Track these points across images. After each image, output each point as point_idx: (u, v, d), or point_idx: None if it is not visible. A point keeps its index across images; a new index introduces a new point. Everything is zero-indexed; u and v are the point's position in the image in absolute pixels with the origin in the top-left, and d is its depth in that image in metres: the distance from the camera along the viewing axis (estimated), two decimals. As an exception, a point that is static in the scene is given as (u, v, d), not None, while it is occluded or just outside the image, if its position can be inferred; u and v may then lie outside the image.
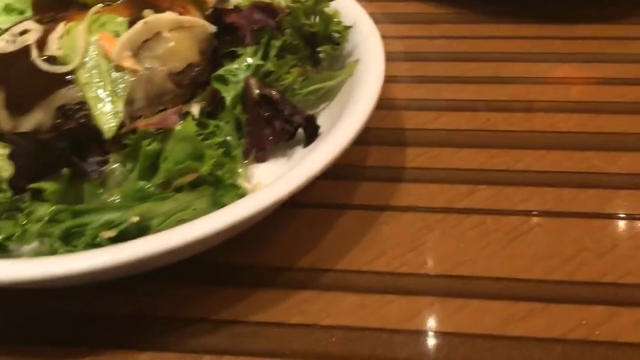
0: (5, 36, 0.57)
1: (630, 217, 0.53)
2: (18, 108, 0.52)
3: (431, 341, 0.44)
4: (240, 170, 0.54)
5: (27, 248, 0.49)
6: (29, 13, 0.70)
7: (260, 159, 0.57)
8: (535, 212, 0.54)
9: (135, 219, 0.45)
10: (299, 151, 0.58)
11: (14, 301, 0.49)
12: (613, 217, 0.53)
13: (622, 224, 0.53)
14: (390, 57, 0.58)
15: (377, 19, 0.63)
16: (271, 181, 0.49)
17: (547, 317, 0.45)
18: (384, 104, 0.57)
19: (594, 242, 0.51)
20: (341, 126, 0.50)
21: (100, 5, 0.57)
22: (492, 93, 0.68)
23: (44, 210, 0.45)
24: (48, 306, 0.48)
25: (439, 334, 0.45)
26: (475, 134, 0.63)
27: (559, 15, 0.80)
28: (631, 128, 0.62)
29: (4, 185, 0.49)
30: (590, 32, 0.77)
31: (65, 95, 0.52)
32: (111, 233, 0.44)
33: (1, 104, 0.53)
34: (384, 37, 0.60)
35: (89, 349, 0.45)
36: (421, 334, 0.45)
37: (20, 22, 0.60)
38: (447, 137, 0.63)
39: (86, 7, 0.58)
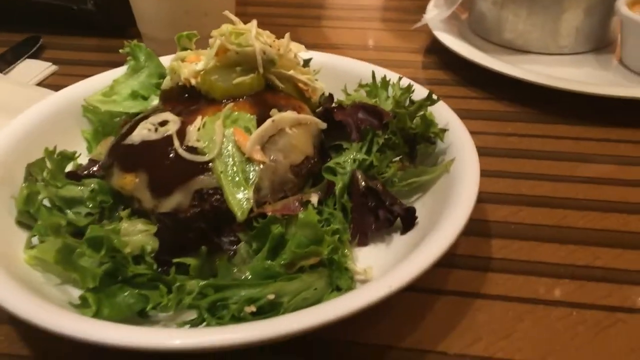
0: (147, 125, 0.65)
1: None
2: (160, 190, 0.60)
3: None
4: (348, 253, 0.60)
5: (162, 316, 0.56)
6: (151, 99, 0.80)
7: (362, 243, 0.64)
8: (617, 308, 0.59)
9: (272, 296, 0.51)
10: (396, 238, 0.64)
11: None
12: (690, 317, 0.58)
13: (699, 323, 0.57)
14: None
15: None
16: (380, 267, 0.56)
17: (636, 409, 0.50)
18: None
19: (675, 339, 0.56)
20: (449, 219, 0.56)
21: (231, 104, 0.65)
22: (568, 191, 0.74)
23: (194, 284, 0.52)
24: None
25: (538, 418, 0.49)
26: (554, 230, 0.69)
27: (622, 119, 0.87)
28: (703, 233, 0.67)
29: (148, 259, 0.56)
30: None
31: (202, 181, 0.59)
32: (253, 308, 0.50)
33: (145, 185, 0.61)
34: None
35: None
36: (522, 417, 0.49)
37: (154, 111, 0.69)
38: (528, 231, 0.69)
39: (214, 102, 0.67)
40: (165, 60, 0.82)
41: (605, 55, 1.03)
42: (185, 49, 0.78)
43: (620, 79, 0.96)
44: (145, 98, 0.80)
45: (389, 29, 1.25)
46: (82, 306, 0.52)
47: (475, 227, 0.69)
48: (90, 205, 0.64)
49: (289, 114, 0.64)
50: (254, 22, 0.70)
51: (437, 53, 1.09)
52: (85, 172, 0.68)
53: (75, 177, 0.67)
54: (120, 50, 0.82)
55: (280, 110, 0.65)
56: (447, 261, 0.64)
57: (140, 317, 0.55)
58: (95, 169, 0.68)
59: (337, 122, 0.68)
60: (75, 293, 0.57)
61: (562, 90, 0.88)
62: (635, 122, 0.87)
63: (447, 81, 1.01)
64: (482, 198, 0.73)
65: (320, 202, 0.63)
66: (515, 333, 0.57)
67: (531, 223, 0.70)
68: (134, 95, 0.80)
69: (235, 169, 0.60)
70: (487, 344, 0.56)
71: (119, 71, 0.82)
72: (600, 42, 1.04)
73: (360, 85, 0.77)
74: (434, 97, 0.69)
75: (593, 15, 1.00)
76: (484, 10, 1.07)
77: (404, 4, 1.35)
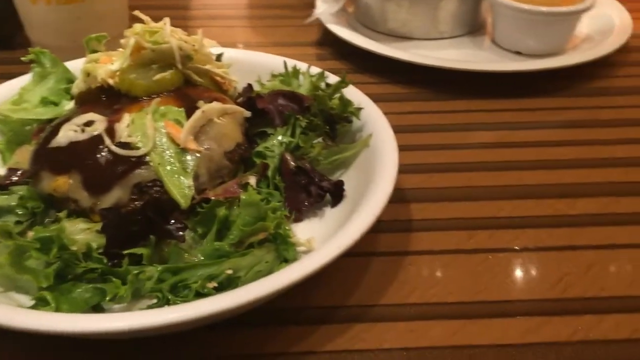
0: (71, 126, 0.65)
1: (594, 247, 0.68)
2: (98, 188, 0.61)
3: (472, 352, 0.56)
4: (289, 228, 0.64)
5: (118, 307, 0.57)
6: (63, 104, 0.79)
7: (298, 219, 0.68)
8: (523, 249, 0.68)
9: (230, 271, 0.54)
10: (327, 211, 0.69)
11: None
12: (581, 248, 0.68)
13: (589, 252, 0.67)
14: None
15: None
16: (320, 237, 0.61)
17: (553, 326, 0.58)
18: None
19: (572, 268, 0.65)
20: (378, 187, 0.62)
21: (157, 98, 0.67)
22: (468, 156, 0.83)
23: (152, 270, 0.53)
24: (140, 353, 0.56)
25: (477, 347, 0.56)
26: (462, 190, 0.77)
27: (501, 91, 0.98)
28: (580, 179, 0.78)
29: (96, 255, 0.57)
30: (533, 105, 0.95)
31: (140, 175, 0.61)
32: (214, 284, 0.53)
33: (80, 185, 0.61)
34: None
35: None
36: (464, 348, 0.56)
37: (73, 114, 0.68)
38: (440, 194, 0.76)
39: (136, 100, 0.68)
40: (69, 66, 0.81)
41: (479, 37, 1.14)
42: (94, 51, 0.78)
43: (495, 56, 1.07)
44: (56, 104, 0.78)
45: (279, 25, 1.29)
46: (39, 305, 0.52)
47: (394, 195, 0.75)
48: (20, 213, 0.63)
49: (216, 105, 0.67)
50: (167, 20, 0.72)
51: (331, 45, 1.15)
52: (8, 182, 0.66)
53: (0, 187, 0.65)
54: (23, 58, 0.80)
55: (205, 102, 0.67)
56: (374, 227, 0.70)
57: (97, 312, 0.55)
58: (17, 177, 0.67)
59: (259, 110, 0.72)
60: (22, 299, 0.56)
61: (448, 69, 0.98)
62: (512, 92, 0.98)
63: (343, 70, 1.08)
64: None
65: (256, 184, 0.67)
66: (444, 280, 0.64)
67: (442, 187, 0.78)
68: (45, 102, 0.78)
69: (172, 159, 0.62)
70: (421, 292, 0.62)
71: (25, 79, 0.80)
72: (474, 26, 1.15)
73: (274, 76, 0.81)
74: (346, 80, 0.75)
75: (466, 2, 1.11)
76: (369, 2, 1.15)
77: (288, 2, 1.40)
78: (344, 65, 1.09)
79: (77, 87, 0.75)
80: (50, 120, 0.73)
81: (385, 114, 0.92)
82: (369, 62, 1.06)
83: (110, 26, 0.95)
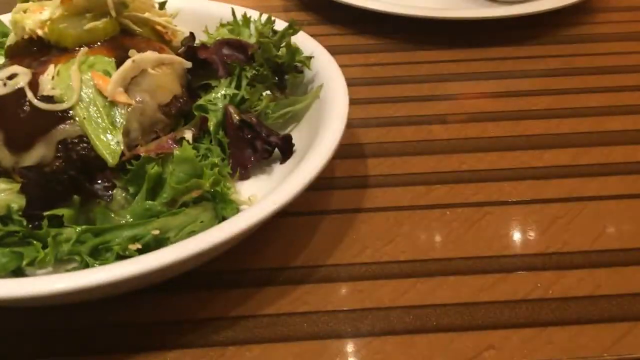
0: (-7, 80, 0.60)
1: (560, 200, 0.64)
2: (19, 145, 0.56)
3: (421, 312, 0.52)
4: (230, 186, 0.60)
5: (41, 272, 0.53)
6: (-4, 59, 0.73)
7: (244, 176, 0.64)
8: (484, 202, 0.64)
9: (156, 232, 0.50)
10: (276, 168, 0.65)
11: (30, 317, 0.52)
12: (546, 201, 0.64)
13: (554, 205, 0.63)
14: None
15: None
16: (264, 194, 0.56)
17: (510, 284, 0.55)
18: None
19: (535, 222, 0.61)
20: (322, 142, 0.57)
21: (85, 48, 0.61)
22: (431, 109, 0.79)
23: (70, 232, 0.49)
24: (71, 319, 0.52)
25: (426, 306, 0.53)
26: (422, 144, 0.73)
27: (472, 40, 0.93)
28: (549, 130, 0.74)
29: (16, 216, 0.53)
30: (503, 54, 0.90)
31: (65, 130, 0.56)
32: (138, 245, 0.49)
33: (1, 142, 0.56)
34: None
35: (122, 354, 0.49)
36: (412, 308, 0.53)
37: (0, 68, 0.64)
38: (399, 148, 0.72)
39: (66, 51, 0.63)
40: (6, 18, 0.75)
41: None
42: (26, 0, 0.72)
43: (468, 4, 1.02)
44: (-13, 58, 0.73)
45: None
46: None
47: (350, 151, 0.72)
48: (-61, 174, 0.59)
49: (150, 54, 0.62)
50: (100, -36, 0.67)
51: (295, -4, 1.09)
52: None
53: None
54: (-48, 11, 0.74)
55: (140, 52, 0.62)
56: (327, 184, 0.67)
57: (18, 277, 0.51)
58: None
59: (202, 60, 0.67)
60: None
61: (417, 17, 0.92)
62: (484, 41, 0.93)
63: (309, 21, 1.02)
64: (354, 124, 0.76)
65: (196, 139, 0.62)
66: (398, 237, 0.60)
67: (401, 140, 0.73)
68: (-24, 57, 0.73)
69: (98, 113, 0.57)
70: (373, 251, 0.58)
71: (-46, 33, 0.74)
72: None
73: (222, 25, 0.76)
74: (296, 26, 0.70)
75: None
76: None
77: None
78: (310, 17, 1.04)
79: (10, 40, 0.70)
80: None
81: (349, 66, 0.87)
82: (337, 13, 1.01)
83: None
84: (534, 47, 0.92)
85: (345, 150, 0.71)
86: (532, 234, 0.60)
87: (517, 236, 0.60)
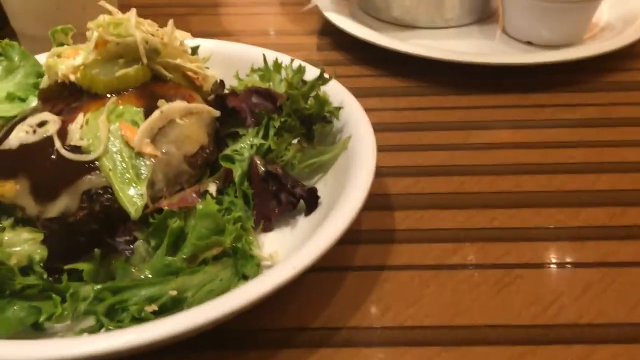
0: (24, 127, 0.61)
1: (595, 265, 0.61)
2: (45, 195, 0.56)
3: (443, 386, 0.50)
4: (252, 240, 0.59)
5: (59, 327, 0.53)
6: (30, 101, 0.75)
7: (267, 228, 0.63)
8: (515, 265, 0.61)
9: (174, 292, 0.49)
10: (301, 220, 0.64)
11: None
12: (580, 265, 0.61)
13: (589, 270, 0.61)
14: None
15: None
16: (286, 251, 0.55)
17: (538, 357, 0.52)
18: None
19: (568, 288, 0.59)
20: (349, 196, 0.56)
21: (114, 97, 0.62)
22: (463, 159, 0.77)
23: (88, 289, 0.49)
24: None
25: (449, 379, 0.51)
26: (451, 197, 0.71)
27: (509, 86, 0.91)
28: (586, 186, 0.71)
29: (37, 268, 0.53)
30: (540, 101, 0.88)
31: (90, 181, 0.56)
32: (154, 307, 0.48)
33: (27, 191, 0.57)
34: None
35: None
36: (434, 380, 0.51)
37: (32, 112, 0.64)
38: (427, 201, 0.70)
39: (97, 97, 0.64)
40: (43, 59, 0.77)
41: (489, 26, 1.07)
42: (61, 44, 0.73)
43: (504, 47, 1.00)
44: (23, 100, 0.74)
45: (279, 12, 1.24)
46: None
47: (378, 201, 0.70)
48: (-32, 219, 0.59)
49: (178, 104, 0.62)
50: (133, 11, 0.67)
51: (330, 34, 1.09)
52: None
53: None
54: (-12, 52, 0.76)
55: (169, 101, 0.62)
56: (353, 238, 0.65)
57: (36, 331, 0.51)
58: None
59: (231, 108, 0.67)
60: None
61: (450, 62, 0.91)
62: (520, 87, 0.90)
63: (341, 61, 1.02)
64: (382, 172, 0.74)
65: (220, 191, 0.62)
66: (422, 299, 0.58)
67: (430, 192, 0.72)
68: (11, 98, 0.74)
69: (124, 165, 0.57)
70: (395, 313, 0.57)
71: (-9, 74, 0.76)
72: (483, 13, 1.08)
73: (253, 70, 0.76)
74: (326, 76, 0.69)
75: (474, -13, 1.03)
76: (371, -11, 1.08)
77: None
78: (342, 56, 1.03)
79: (44, 83, 0.71)
80: (14, 118, 0.69)
81: (379, 110, 0.86)
82: (369, 53, 1.00)
83: (94, 17, 0.90)
84: (572, 95, 0.89)
85: (373, 201, 0.69)
86: (564, 302, 0.57)
87: (548, 304, 0.57)
